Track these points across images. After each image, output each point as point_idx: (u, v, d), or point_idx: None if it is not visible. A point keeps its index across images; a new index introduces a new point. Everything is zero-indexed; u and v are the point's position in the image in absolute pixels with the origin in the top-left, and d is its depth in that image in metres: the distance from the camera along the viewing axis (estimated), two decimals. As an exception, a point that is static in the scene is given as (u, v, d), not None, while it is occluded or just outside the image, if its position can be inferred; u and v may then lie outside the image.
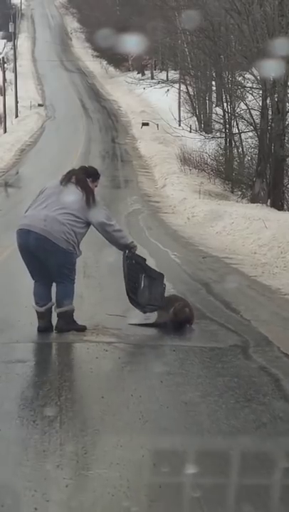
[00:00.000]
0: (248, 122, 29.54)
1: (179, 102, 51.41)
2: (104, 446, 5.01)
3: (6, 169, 36.10)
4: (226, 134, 33.47)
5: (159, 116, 45.79)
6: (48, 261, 7.90)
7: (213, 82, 41.91)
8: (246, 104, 29.30)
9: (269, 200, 25.64)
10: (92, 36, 74.72)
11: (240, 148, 32.39)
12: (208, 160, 33.70)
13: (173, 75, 55.67)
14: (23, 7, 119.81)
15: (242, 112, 30.29)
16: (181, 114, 49.30)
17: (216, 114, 37.28)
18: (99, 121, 56.23)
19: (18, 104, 63.14)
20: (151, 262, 13.45)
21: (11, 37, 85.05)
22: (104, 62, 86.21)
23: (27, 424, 5.36)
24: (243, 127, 31.04)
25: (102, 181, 29.98)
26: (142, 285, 8.41)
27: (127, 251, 8.36)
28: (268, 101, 26.48)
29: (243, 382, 6.51)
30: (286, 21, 25.21)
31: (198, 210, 22.35)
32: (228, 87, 33.05)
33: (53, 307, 8.09)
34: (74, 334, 7.92)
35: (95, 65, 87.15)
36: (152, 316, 8.61)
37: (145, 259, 8.63)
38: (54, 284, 8.16)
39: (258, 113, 28.02)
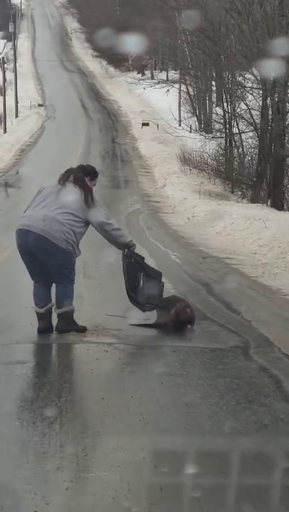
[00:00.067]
0: (248, 122, 29.51)
1: (179, 102, 51.38)
2: (104, 448, 4.98)
3: (6, 169, 36.07)
4: (226, 134, 33.44)
5: (159, 116, 45.75)
6: (48, 261, 7.87)
7: (214, 82, 41.87)
8: (246, 104, 29.27)
9: (269, 200, 25.61)
10: (92, 36, 74.70)
11: (241, 149, 32.36)
12: (209, 160, 33.67)
13: (173, 75, 55.65)
14: (23, 7, 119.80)
15: (242, 112, 30.26)
16: (182, 114, 49.27)
17: (216, 114, 37.24)
18: (99, 121, 56.21)
19: (18, 104, 63.12)
20: (151, 263, 13.42)
21: (11, 37, 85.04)
22: (104, 62, 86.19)
23: (27, 426, 5.33)
24: (244, 127, 31.00)
25: (102, 181, 30.00)
26: (141, 284, 8.38)
27: (126, 250, 8.33)
28: (268, 101, 26.45)
29: (244, 384, 6.48)
30: (286, 21, 25.17)
31: (199, 210, 22.32)
32: (228, 87, 33.01)
33: (53, 308, 8.06)
34: (74, 335, 7.88)
35: (95, 65, 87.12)
36: (152, 317, 8.58)
37: (144, 258, 8.60)
38: (54, 285, 8.13)
39: (258, 113, 27.99)
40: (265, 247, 15.17)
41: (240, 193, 30.04)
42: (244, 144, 31.91)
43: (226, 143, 33.46)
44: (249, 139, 31.04)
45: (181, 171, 33.22)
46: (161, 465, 4.70)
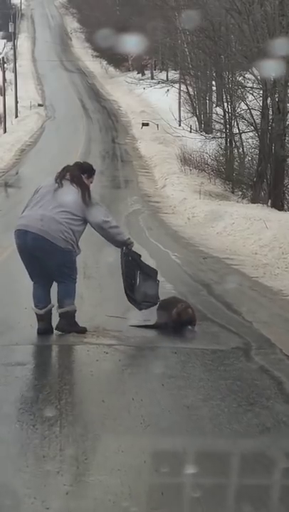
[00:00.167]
0: (248, 122, 29.45)
1: (179, 102, 51.32)
2: (105, 451, 4.92)
3: (6, 169, 36.02)
4: (226, 134, 33.38)
5: (159, 117, 45.71)
6: (48, 261, 7.81)
7: (214, 82, 41.82)
8: (247, 104, 29.21)
9: (270, 201, 25.56)
10: (92, 36, 74.64)
11: (241, 149, 32.29)
12: (209, 160, 33.62)
13: (173, 75, 55.59)
14: (23, 7, 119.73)
15: (242, 112, 30.20)
16: (182, 114, 49.22)
17: (217, 114, 37.17)
18: (99, 121, 56.16)
19: (18, 104, 63.06)
20: (151, 263, 13.36)
21: (11, 37, 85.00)
22: (104, 62, 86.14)
23: (26, 429, 5.27)
24: (244, 127, 30.94)
25: (103, 181, 30.00)
26: (138, 282, 8.34)
27: (124, 248, 8.27)
28: (268, 101, 26.40)
29: (246, 386, 6.43)
30: (287, 21, 25.13)
31: (199, 211, 22.28)
32: (228, 87, 32.95)
33: (55, 307, 7.98)
34: (74, 336, 7.83)
35: (94, 65, 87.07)
36: (153, 318, 8.53)
37: (140, 256, 8.53)
38: (54, 285, 8.07)
39: (258, 113, 27.93)
40: (266, 248, 15.13)
41: (240, 193, 29.99)
42: (244, 144, 31.85)
43: (226, 143, 33.40)
44: (249, 139, 30.98)
45: (181, 171, 33.18)
46: (162, 469, 4.65)
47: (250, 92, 29.01)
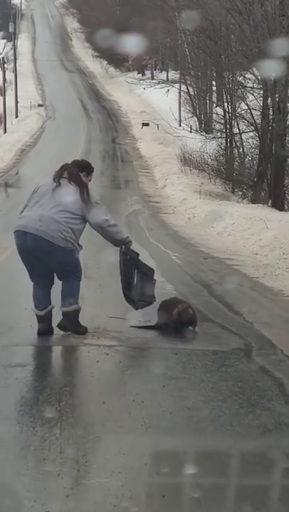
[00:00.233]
0: (248, 122, 29.41)
1: (180, 102, 51.29)
2: (105, 453, 4.89)
3: (6, 169, 35.99)
4: (226, 134, 33.34)
5: (159, 117, 45.65)
6: (49, 261, 7.77)
7: (214, 82, 41.79)
8: (247, 104, 29.18)
9: (270, 201, 25.52)
10: (92, 36, 74.58)
11: (241, 149, 32.26)
12: (209, 160, 33.58)
13: (173, 75, 55.56)
14: (23, 7, 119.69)
15: (243, 112, 30.16)
16: (182, 114, 49.17)
17: (217, 114, 37.13)
18: (99, 121, 56.12)
19: (18, 105, 63.02)
20: (152, 264, 13.35)
21: (11, 37, 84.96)
22: (105, 63, 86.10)
23: (26, 431, 5.24)
24: (244, 127, 30.90)
25: (103, 181, 29.96)
26: (135, 280, 8.30)
27: (123, 246, 8.24)
28: (268, 101, 26.36)
29: (247, 387, 6.40)
30: (287, 21, 25.09)
31: (199, 211, 22.24)
32: (228, 87, 32.92)
33: (58, 306, 7.93)
34: (74, 337, 7.79)
35: (95, 65, 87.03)
36: (154, 319, 8.49)
37: (138, 254, 8.48)
38: (55, 286, 8.03)
39: (258, 113, 27.89)
40: (267, 248, 15.09)
41: (240, 193, 29.95)
42: (245, 144, 31.82)
43: (226, 143, 33.37)
44: (250, 139, 30.94)
45: (182, 171, 33.14)
46: (163, 471, 4.61)
47: (251, 92, 28.97)
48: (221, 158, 33.14)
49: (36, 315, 7.95)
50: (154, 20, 46.57)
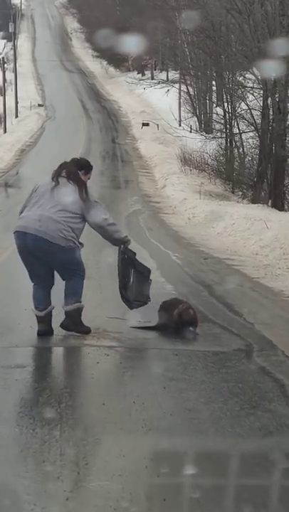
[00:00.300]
0: (248, 122, 29.37)
1: (180, 102, 51.25)
2: (105, 456, 4.85)
3: (6, 169, 35.95)
4: (226, 134, 33.30)
5: (159, 117, 45.60)
6: (51, 261, 7.74)
7: (214, 82, 41.74)
8: (247, 104, 29.13)
9: (270, 201, 25.48)
10: (92, 36, 74.52)
11: (241, 149, 32.22)
12: (209, 160, 33.53)
13: (173, 75, 55.50)
14: (23, 7, 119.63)
15: (243, 112, 30.12)
16: (182, 114, 49.13)
17: (217, 114, 37.09)
18: (99, 121, 56.07)
19: (18, 105, 62.97)
20: (152, 264, 13.33)
21: (11, 37, 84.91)
22: (105, 63, 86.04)
23: (26, 433, 5.20)
24: (244, 127, 30.86)
25: (103, 181, 29.86)
26: (132, 280, 8.27)
27: (121, 246, 8.20)
28: (268, 101, 26.32)
29: (248, 388, 6.36)
30: (287, 21, 25.04)
31: (199, 211, 22.20)
32: (228, 87, 32.88)
33: (60, 305, 7.88)
34: (74, 338, 7.76)
35: (95, 65, 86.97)
36: (154, 319, 8.45)
37: (135, 254, 8.43)
38: (55, 287, 7.99)
39: (258, 113, 27.84)
40: (267, 248, 15.06)
41: (240, 193, 29.92)
42: (245, 144, 31.78)
43: (226, 143, 33.33)
44: (250, 139, 30.90)
45: (182, 171, 33.10)
46: (164, 474, 4.57)
47: (251, 92, 28.93)
48: (221, 158, 33.10)
49: (36, 316, 7.91)
50: (154, 20, 46.51)
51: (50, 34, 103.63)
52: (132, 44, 49.26)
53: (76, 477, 4.48)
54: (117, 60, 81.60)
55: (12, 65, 73.23)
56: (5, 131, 52.28)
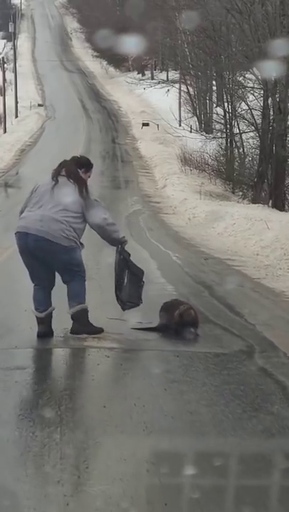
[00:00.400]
0: (249, 122, 29.33)
1: (180, 102, 51.20)
2: (106, 459, 4.79)
3: (6, 169, 35.91)
4: (226, 135, 33.26)
5: (159, 117, 45.55)
6: (53, 261, 7.68)
7: (214, 82, 41.69)
8: (247, 104, 29.09)
9: (270, 201, 25.43)
10: (92, 36, 74.44)
11: (241, 149, 32.18)
12: (209, 160, 33.49)
13: (173, 75, 55.45)
14: (23, 7, 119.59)
15: (243, 112, 30.08)
16: (182, 114, 49.08)
17: (217, 114, 37.05)
18: (99, 121, 56.01)
19: (18, 105, 62.92)
20: (152, 264, 13.29)
21: (11, 37, 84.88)
22: (105, 63, 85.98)
23: (26, 436, 5.14)
24: (244, 127, 30.82)
25: (103, 182, 29.80)
26: (126, 281, 8.21)
27: (119, 246, 8.14)
28: (269, 101, 26.27)
29: (250, 390, 6.30)
30: (288, 21, 24.99)
31: (199, 211, 22.15)
32: (229, 87, 32.83)
33: (66, 312, 7.81)
34: (75, 339, 7.69)
35: (95, 65, 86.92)
36: (155, 320, 8.39)
37: (130, 254, 8.37)
38: (55, 288, 7.92)
39: (259, 113, 27.80)
40: (268, 249, 15.01)
41: (241, 193, 29.87)
42: (245, 144, 31.74)
43: (226, 143, 33.29)
44: (250, 139, 30.86)
45: (182, 171, 33.06)
46: (165, 478, 4.51)
47: (251, 92, 28.88)
48: (221, 158, 33.05)
49: (36, 317, 7.85)
50: (154, 20, 46.45)
51: (50, 34, 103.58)
52: (132, 44, 49.17)
53: (76, 481, 4.42)
54: (117, 60, 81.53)
55: (12, 65, 73.17)
56: (5, 131, 52.25)
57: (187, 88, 49.16)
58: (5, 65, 66.24)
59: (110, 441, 5.11)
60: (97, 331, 7.80)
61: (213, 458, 4.92)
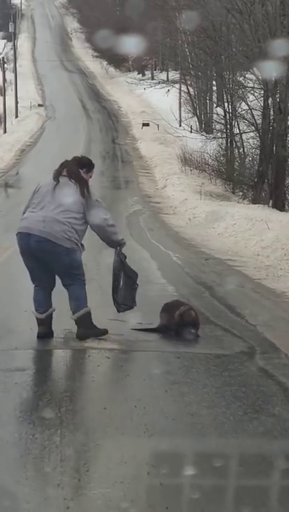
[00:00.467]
0: (249, 122, 29.29)
1: (180, 102, 51.17)
2: (107, 462, 4.76)
3: (6, 170, 35.87)
4: (227, 135, 33.23)
5: (159, 117, 45.51)
6: (53, 262, 7.64)
7: (214, 82, 41.67)
8: (248, 105, 29.05)
9: (271, 201, 25.40)
10: (92, 36, 74.39)
11: (242, 149, 32.15)
12: (209, 160, 33.45)
13: (173, 75, 55.44)
14: (23, 7, 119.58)
15: (243, 112, 30.05)
16: (182, 115, 49.04)
17: (217, 114, 37.03)
18: (99, 121, 55.98)
19: (18, 105, 62.88)
20: (153, 265, 13.26)
21: (11, 37, 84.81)
22: (105, 63, 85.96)
23: (26, 438, 5.11)
24: (245, 127, 30.79)
25: (103, 182, 29.80)
26: (121, 283, 8.19)
27: (118, 248, 8.11)
28: (269, 101, 26.23)
29: (251, 392, 6.27)
30: (288, 21, 24.96)
31: (200, 211, 22.11)
32: (229, 87, 32.81)
33: (70, 314, 7.76)
34: (75, 341, 7.65)
35: (95, 66, 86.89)
36: (155, 321, 8.36)
37: (126, 256, 8.34)
38: (56, 289, 7.89)
39: (259, 113, 27.76)
40: (268, 249, 14.97)
41: (241, 193, 29.84)
42: (245, 144, 31.71)
43: (226, 143, 33.26)
44: (250, 140, 30.83)
45: (182, 171, 33.02)
46: (166, 481, 4.48)
47: (251, 92, 28.85)
48: (222, 158, 33.02)
49: (36, 318, 7.81)
50: (154, 21, 46.43)
51: (50, 34, 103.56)
52: (132, 44, 49.15)
53: (77, 484, 4.38)
54: (117, 60, 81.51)
55: (12, 65, 73.14)
56: (5, 131, 52.21)
57: (187, 88, 49.13)
58: (5, 65, 66.19)
59: (111, 443, 5.07)
60: (103, 332, 7.77)
61: (215, 460, 4.88)
